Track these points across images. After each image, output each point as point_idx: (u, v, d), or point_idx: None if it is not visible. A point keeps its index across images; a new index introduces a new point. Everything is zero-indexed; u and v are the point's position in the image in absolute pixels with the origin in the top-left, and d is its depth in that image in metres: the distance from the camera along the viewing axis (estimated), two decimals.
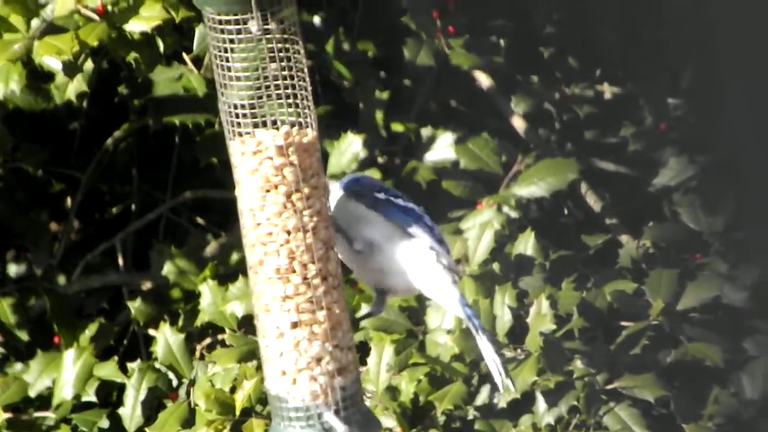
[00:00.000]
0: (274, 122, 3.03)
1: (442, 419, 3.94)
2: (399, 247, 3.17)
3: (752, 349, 3.99)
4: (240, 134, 3.03)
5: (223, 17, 3.01)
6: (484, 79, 4.56)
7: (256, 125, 3.03)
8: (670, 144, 4.49)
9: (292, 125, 3.04)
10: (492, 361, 3.17)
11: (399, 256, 3.17)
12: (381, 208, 3.18)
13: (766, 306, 4.04)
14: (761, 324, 4.01)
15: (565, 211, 4.55)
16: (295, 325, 3.01)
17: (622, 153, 4.59)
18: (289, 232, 3.01)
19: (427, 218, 3.23)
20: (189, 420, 3.88)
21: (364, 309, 3.95)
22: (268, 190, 3.01)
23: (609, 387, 3.90)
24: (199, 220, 4.72)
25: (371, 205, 3.18)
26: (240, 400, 3.74)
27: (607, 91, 4.66)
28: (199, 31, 4.17)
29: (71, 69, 3.85)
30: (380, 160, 4.47)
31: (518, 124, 4.55)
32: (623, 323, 4.01)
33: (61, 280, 4.56)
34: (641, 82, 4.57)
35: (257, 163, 3.02)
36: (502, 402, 3.92)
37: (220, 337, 4.11)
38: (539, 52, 4.62)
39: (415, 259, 3.18)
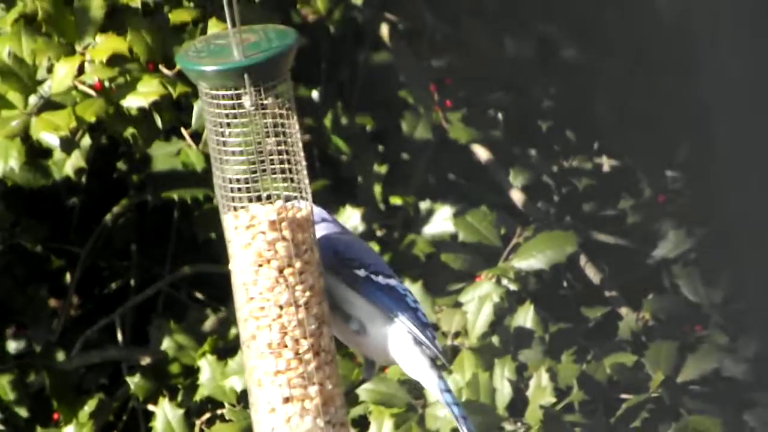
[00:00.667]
0: (269, 197, 3.03)
1: None
2: (380, 330, 3.14)
3: (753, 422, 3.97)
4: (234, 209, 3.03)
5: (218, 92, 3.02)
6: (482, 153, 4.58)
7: (250, 200, 3.03)
8: (669, 216, 4.49)
9: (287, 200, 3.04)
10: None
11: (381, 338, 3.14)
12: (361, 287, 3.14)
13: (766, 378, 4.01)
14: (761, 397, 3.98)
15: (565, 284, 4.54)
16: (286, 400, 2.99)
17: (620, 225, 4.59)
18: (281, 307, 3.00)
19: (411, 297, 3.18)
20: None
21: None
22: (260, 265, 3.01)
23: None
24: (198, 295, 4.71)
25: (351, 284, 3.14)
26: None
27: (605, 163, 4.67)
28: (197, 106, 4.20)
29: (69, 145, 3.87)
30: (379, 233, 4.48)
31: (517, 196, 4.55)
32: (623, 396, 3.99)
33: (60, 356, 4.54)
34: (639, 154, 4.59)
35: (250, 238, 3.02)
36: None
37: (219, 411, 4.09)
38: (537, 126, 4.64)
39: (394, 344, 3.14)
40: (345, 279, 3.13)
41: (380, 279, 3.15)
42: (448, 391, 3.15)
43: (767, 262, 4.13)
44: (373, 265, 3.16)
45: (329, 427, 3.00)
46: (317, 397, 2.98)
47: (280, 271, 3.00)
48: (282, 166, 3.03)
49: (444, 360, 3.18)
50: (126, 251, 4.69)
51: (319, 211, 3.19)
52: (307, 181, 3.06)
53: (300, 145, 3.05)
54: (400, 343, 3.14)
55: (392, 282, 3.16)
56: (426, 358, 3.14)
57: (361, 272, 3.14)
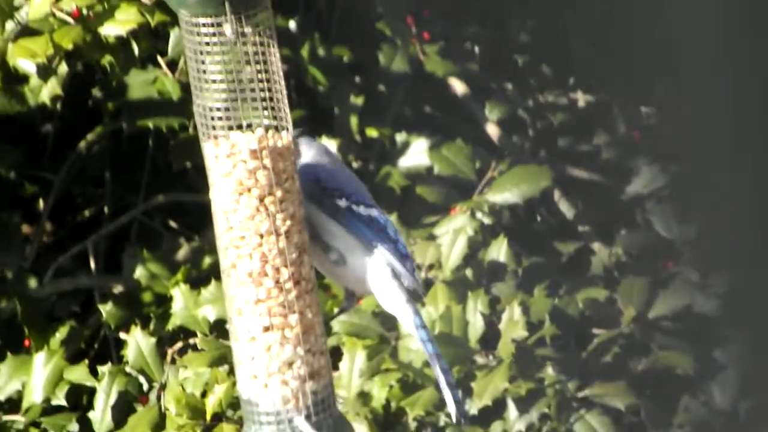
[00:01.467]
0: (249, 125, 3.03)
1: (413, 425, 3.94)
2: (359, 261, 3.15)
3: (723, 358, 4.00)
4: (214, 137, 3.03)
5: (198, 20, 3.00)
6: (458, 86, 4.57)
7: (230, 128, 3.03)
8: (643, 152, 4.51)
9: (267, 129, 3.04)
10: (445, 390, 3.14)
11: (360, 269, 3.15)
12: (342, 218, 3.14)
13: (737, 315, 4.05)
14: (732, 333, 4.02)
15: (538, 218, 4.56)
16: (266, 328, 3.00)
17: (595, 161, 4.60)
18: (261, 236, 3.01)
19: (391, 228, 3.18)
20: (159, 424, 3.86)
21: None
22: (241, 194, 3.01)
23: (580, 394, 3.91)
24: (172, 224, 4.70)
25: (332, 213, 3.14)
26: (211, 404, 3.73)
27: (581, 98, 4.68)
28: (174, 34, 4.17)
29: (45, 72, 3.84)
30: (355, 164, 4.47)
31: (492, 130, 4.56)
32: (595, 331, 4.02)
33: (33, 283, 4.53)
34: (614, 90, 4.59)
35: (231, 166, 3.02)
36: (473, 409, 3.92)
37: (191, 341, 4.09)
38: (513, 60, 4.63)
39: (373, 275, 3.15)
40: (326, 209, 3.13)
41: (361, 209, 3.15)
42: (424, 327, 3.16)
43: (740, 199, 4.15)
44: (355, 194, 3.16)
45: (309, 355, 3.01)
46: (297, 325, 3.00)
47: (261, 200, 3.00)
48: (262, 94, 3.02)
49: (422, 292, 3.19)
50: (100, 179, 4.68)
51: (306, 139, 3.19)
52: (287, 109, 3.06)
53: (281, 74, 3.05)
54: (379, 275, 3.15)
55: (374, 212, 3.17)
56: (403, 292, 3.15)
57: (342, 202, 3.14)
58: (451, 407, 3.14)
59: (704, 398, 3.97)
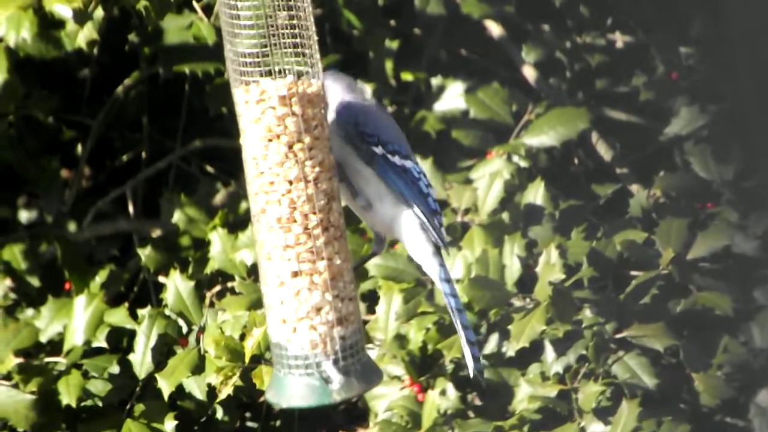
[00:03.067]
0: (281, 72, 3.03)
1: (450, 367, 3.95)
2: (388, 210, 3.15)
3: (762, 299, 3.98)
4: (245, 83, 3.03)
5: None
6: (494, 28, 4.54)
7: (261, 74, 3.03)
8: (682, 93, 4.46)
9: (298, 75, 3.03)
10: (464, 346, 3.14)
11: (388, 218, 3.15)
12: (376, 165, 3.14)
13: None
14: None
15: (576, 161, 4.53)
16: (295, 274, 3.02)
17: (633, 102, 4.56)
18: (290, 182, 3.02)
19: (424, 182, 3.18)
20: (199, 366, 3.89)
21: None
22: (270, 140, 3.02)
23: (618, 336, 3.90)
24: (209, 169, 4.72)
25: (368, 159, 3.14)
26: (249, 347, 3.75)
27: (619, 40, 4.63)
28: None
29: (81, 17, 3.84)
30: (390, 109, 4.46)
31: (529, 73, 4.52)
32: (633, 273, 4.01)
33: (72, 227, 4.58)
34: (653, 31, 4.54)
35: (260, 113, 3.02)
36: (510, 351, 3.92)
37: (229, 284, 4.12)
38: (550, 1, 4.59)
39: (401, 226, 3.15)
40: (361, 153, 3.13)
41: (396, 159, 3.15)
42: (448, 281, 3.17)
43: None
44: (392, 143, 3.16)
45: (337, 301, 3.03)
46: (326, 271, 3.01)
47: (290, 147, 3.01)
48: (293, 40, 3.02)
49: (446, 250, 3.19)
50: (137, 124, 4.69)
51: (332, 72, 3.17)
52: (318, 56, 3.05)
53: (311, 19, 3.04)
54: (407, 226, 3.15)
55: (408, 164, 3.16)
56: (430, 244, 3.16)
57: (379, 150, 3.14)
58: (469, 363, 3.15)
59: (743, 338, 3.95)
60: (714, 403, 3.87)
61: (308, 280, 3.01)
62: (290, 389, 3.01)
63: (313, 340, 3.01)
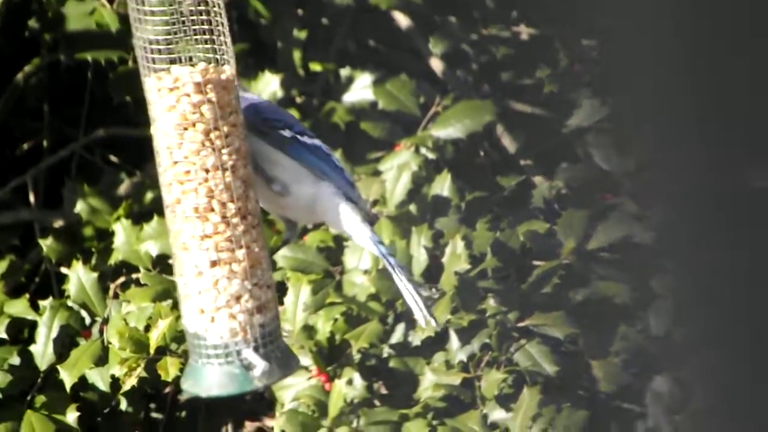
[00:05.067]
0: (190, 59, 3.00)
1: (357, 357, 3.96)
2: (309, 190, 3.15)
3: (659, 288, 4.04)
4: (155, 71, 3.00)
5: None
6: (402, 20, 4.55)
7: (172, 62, 3.00)
8: (584, 85, 4.51)
9: (209, 62, 3.01)
10: (410, 297, 3.17)
11: (308, 198, 3.15)
12: (289, 148, 3.14)
13: (673, 245, 4.09)
14: (666, 263, 4.06)
15: (481, 153, 4.56)
16: (214, 263, 3.00)
17: (537, 94, 4.60)
18: (207, 171, 2.99)
19: (335, 157, 3.20)
20: (102, 358, 3.85)
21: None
22: (185, 128, 2.99)
23: (520, 325, 3.94)
24: (113, 159, 4.66)
25: (279, 145, 3.14)
26: (154, 338, 3.72)
27: (524, 32, 4.67)
28: None
29: None
30: (298, 100, 4.44)
31: (436, 65, 4.54)
32: (535, 262, 4.05)
33: None
34: (557, 23, 4.58)
35: (174, 100, 2.99)
36: (416, 340, 3.94)
37: (134, 276, 4.08)
38: None
39: (324, 201, 3.16)
40: (270, 140, 3.12)
41: (306, 139, 3.15)
42: (381, 243, 3.19)
43: (679, 131, 4.17)
44: (296, 125, 3.17)
45: (256, 288, 3.02)
46: (245, 260, 3.00)
47: (206, 134, 2.98)
48: (203, 26, 2.99)
49: (372, 218, 3.21)
50: (39, 111, 4.61)
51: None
52: (230, 42, 3.03)
53: (222, 6, 3.01)
54: (330, 200, 3.15)
55: (317, 142, 3.18)
56: (357, 212, 3.17)
57: (287, 133, 3.14)
58: (419, 313, 3.16)
59: (640, 326, 4.01)
60: (611, 389, 3.92)
61: (227, 269, 2.99)
62: (209, 379, 2.99)
63: (233, 328, 3.00)
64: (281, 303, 3.98)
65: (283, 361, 3.02)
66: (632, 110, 4.30)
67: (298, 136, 3.15)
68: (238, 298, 3.01)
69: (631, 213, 4.13)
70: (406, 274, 3.19)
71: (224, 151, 3.00)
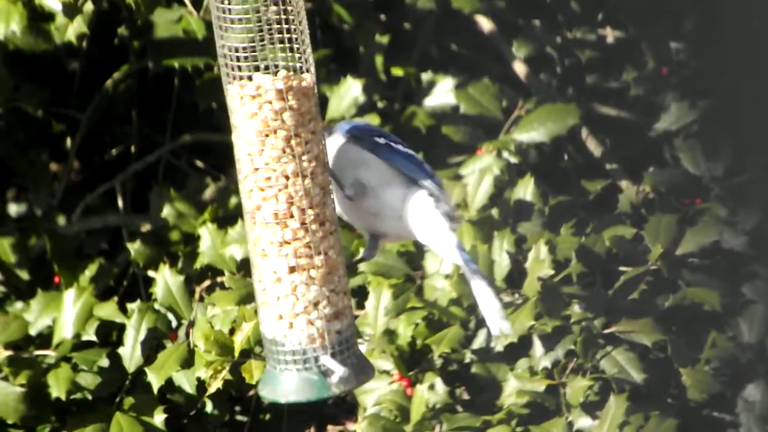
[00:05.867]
0: (272, 66, 3.02)
1: (439, 362, 3.96)
2: (398, 192, 3.16)
3: (750, 294, 3.99)
4: (238, 78, 3.02)
5: None
6: (485, 23, 4.54)
7: (254, 69, 3.02)
8: (672, 88, 4.47)
9: (290, 69, 3.03)
10: (488, 304, 3.16)
11: (397, 201, 3.16)
12: (382, 152, 3.17)
13: (765, 251, 4.03)
14: (760, 269, 4.01)
15: (565, 157, 4.54)
16: (292, 269, 3.02)
17: (623, 98, 4.57)
18: (287, 177, 3.01)
19: (427, 165, 3.22)
20: (188, 360, 3.89)
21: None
22: (267, 135, 3.01)
23: (606, 331, 3.91)
24: (199, 163, 4.71)
25: (371, 149, 3.16)
26: (239, 341, 3.75)
27: (609, 35, 4.64)
28: None
29: (71, 10, 3.84)
30: (380, 104, 4.46)
31: (519, 68, 4.53)
32: (622, 268, 4.01)
33: (61, 220, 4.56)
34: (643, 25, 4.54)
35: (257, 107, 3.01)
36: (499, 346, 3.93)
37: (219, 279, 4.12)
38: None
39: (413, 205, 3.17)
40: (364, 144, 3.15)
41: (400, 147, 3.18)
42: (465, 250, 3.19)
43: None
44: (391, 136, 3.20)
45: (334, 295, 3.03)
46: (323, 266, 3.01)
47: (287, 141, 3.00)
48: (286, 35, 3.01)
49: (459, 221, 3.21)
50: (127, 117, 4.68)
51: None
52: (310, 50, 3.05)
53: (303, 14, 3.04)
54: (420, 204, 3.16)
55: (410, 151, 3.20)
56: (446, 219, 3.17)
57: (382, 140, 3.17)
58: (493, 322, 3.14)
59: (731, 333, 3.96)
60: (701, 398, 3.88)
61: (306, 275, 3.01)
62: (287, 385, 3.01)
63: (311, 334, 3.01)
64: (362, 307, 3.99)
65: (360, 368, 3.03)
66: (722, 114, 4.25)
67: (392, 144, 3.18)
68: (316, 305, 3.02)
69: (720, 218, 4.08)
70: (488, 281, 3.17)
71: (304, 157, 3.01)
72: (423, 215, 3.17)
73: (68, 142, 4.69)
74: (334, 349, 3.02)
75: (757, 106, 4.18)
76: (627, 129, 4.57)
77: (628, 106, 4.58)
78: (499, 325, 3.15)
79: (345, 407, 4.27)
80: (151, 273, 4.27)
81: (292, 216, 3.01)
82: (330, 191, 3.06)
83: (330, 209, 3.05)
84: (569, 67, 4.59)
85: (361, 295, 4.04)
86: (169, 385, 3.90)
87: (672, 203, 4.17)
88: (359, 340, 3.88)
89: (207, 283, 4.16)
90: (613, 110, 4.60)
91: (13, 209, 4.70)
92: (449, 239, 3.18)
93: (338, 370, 3.00)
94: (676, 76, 4.50)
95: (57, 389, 3.88)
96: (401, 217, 3.18)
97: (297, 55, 3.03)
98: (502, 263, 3.96)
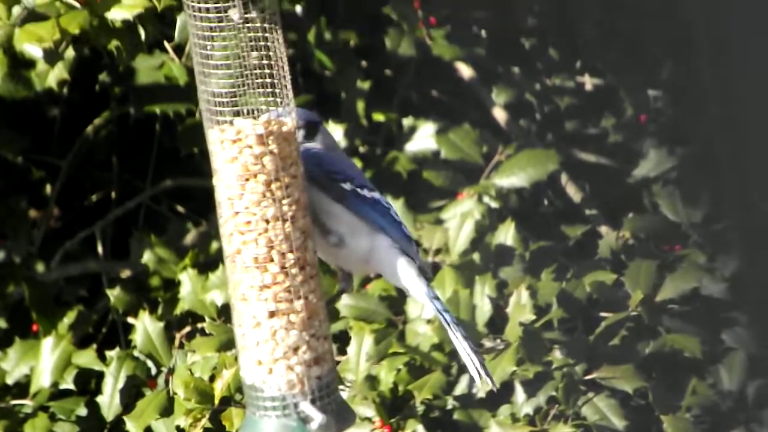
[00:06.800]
0: (253, 111, 3.03)
1: (421, 409, 3.95)
2: (364, 242, 3.16)
3: (730, 341, 4.00)
4: (219, 122, 3.03)
5: (204, 5, 3.01)
6: (465, 70, 4.57)
7: (235, 114, 3.03)
8: (650, 135, 4.50)
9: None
10: (467, 355, 3.15)
11: (364, 251, 3.16)
12: (348, 201, 3.16)
13: (744, 298, 4.05)
14: (739, 316, 4.02)
15: (546, 202, 4.55)
16: (272, 314, 3.01)
17: (602, 144, 4.60)
18: (267, 221, 3.01)
19: (394, 211, 3.21)
20: (168, 408, 3.87)
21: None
22: (247, 179, 3.01)
23: (588, 377, 3.91)
24: (180, 209, 4.71)
25: (337, 197, 3.15)
26: (219, 389, 3.74)
27: (588, 82, 4.67)
28: (180, 19, 4.15)
29: (52, 57, 3.83)
30: (361, 149, 4.48)
31: (499, 114, 4.55)
32: (602, 314, 4.02)
33: (40, 267, 4.55)
34: (621, 73, 4.58)
35: (237, 152, 3.02)
36: (481, 392, 3.92)
37: (199, 325, 4.11)
38: (520, 44, 4.63)
39: (380, 254, 3.16)
40: (331, 193, 3.14)
41: (366, 192, 3.17)
42: (437, 298, 3.18)
43: (747, 182, 4.15)
44: (357, 178, 3.18)
45: (314, 340, 3.02)
46: (303, 311, 3.00)
47: (267, 185, 3.01)
48: (267, 80, 3.03)
49: (429, 271, 3.21)
50: (107, 164, 4.68)
51: (311, 115, 3.20)
52: (291, 95, 3.06)
53: (285, 59, 3.05)
54: (386, 253, 3.16)
55: (376, 195, 3.19)
56: (413, 267, 3.17)
57: (347, 186, 3.15)
58: (474, 372, 3.14)
59: (712, 381, 3.97)
60: None
61: (285, 319, 3.00)
62: (266, 431, 2.99)
63: (291, 380, 3.00)
64: (344, 353, 3.99)
65: (340, 415, 3.02)
66: (700, 160, 4.28)
67: (358, 189, 3.16)
68: (295, 350, 3.01)
69: (700, 264, 4.10)
70: (462, 332, 3.16)
71: (284, 201, 3.02)
72: (390, 264, 3.17)
73: (48, 188, 4.68)
74: (314, 395, 3.01)
75: (734, 153, 4.21)
76: (606, 175, 4.59)
77: (607, 152, 4.61)
78: (482, 376, 3.14)
79: None
80: (130, 320, 4.26)
81: (272, 260, 3.01)
82: (310, 235, 3.06)
83: (311, 253, 3.05)
84: (548, 114, 4.62)
85: (342, 340, 4.03)
86: None
87: (651, 249, 4.18)
88: (340, 386, 3.87)
89: (187, 329, 4.15)
90: (592, 156, 4.63)
91: None
92: (419, 287, 3.17)
93: (317, 417, 2.98)
94: (654, 123, 4.54)
95: None
96: (369, 264, 3.18)
97: (278, 100, 3.04)
98: (484, 308, 3.96)
